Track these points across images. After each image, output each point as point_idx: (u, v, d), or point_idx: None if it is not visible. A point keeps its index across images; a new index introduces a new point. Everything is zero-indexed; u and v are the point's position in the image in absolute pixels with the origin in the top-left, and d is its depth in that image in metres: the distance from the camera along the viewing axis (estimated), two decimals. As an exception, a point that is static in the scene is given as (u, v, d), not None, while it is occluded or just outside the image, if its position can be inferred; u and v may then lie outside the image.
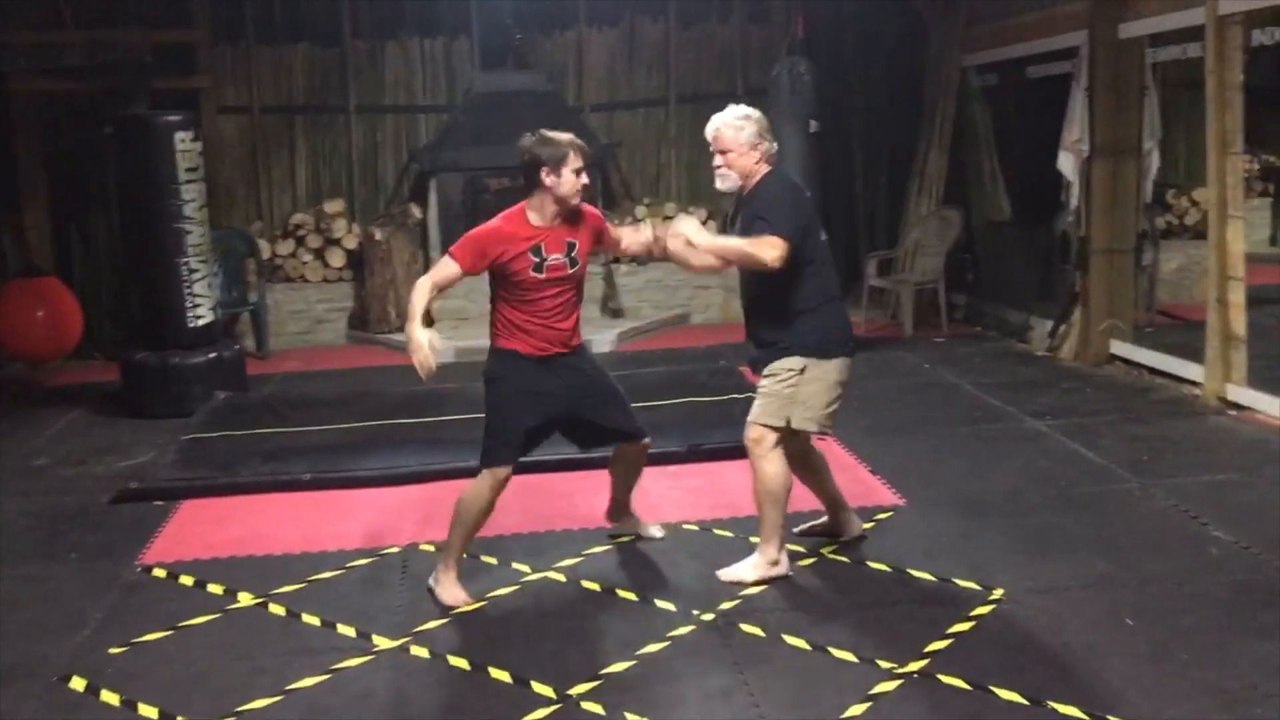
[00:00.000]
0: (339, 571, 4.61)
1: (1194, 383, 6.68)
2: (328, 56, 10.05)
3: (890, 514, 4.95)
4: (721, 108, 4.34)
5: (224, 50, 9.81)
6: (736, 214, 4.43)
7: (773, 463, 4.22)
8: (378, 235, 9.49)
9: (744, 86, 10.11)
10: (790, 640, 3.81)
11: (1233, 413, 6.23)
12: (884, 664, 3.61)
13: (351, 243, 9.75)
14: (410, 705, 3.55)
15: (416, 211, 9.81)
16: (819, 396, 4.21)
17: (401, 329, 9.49)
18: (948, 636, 3.78)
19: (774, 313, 4.25)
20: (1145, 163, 7.56)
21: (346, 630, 4.05)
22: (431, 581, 4.30)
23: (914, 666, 3.59)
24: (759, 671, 3.62)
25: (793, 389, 4.19)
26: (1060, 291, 8.32)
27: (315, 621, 4.14)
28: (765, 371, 4.27)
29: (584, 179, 4.18)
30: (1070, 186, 7.68)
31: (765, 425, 4.23)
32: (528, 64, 9.92)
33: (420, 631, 4.01)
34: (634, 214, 9.99)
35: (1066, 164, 7.62)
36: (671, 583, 4.37)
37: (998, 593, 4.10)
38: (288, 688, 3.64)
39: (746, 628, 3.92)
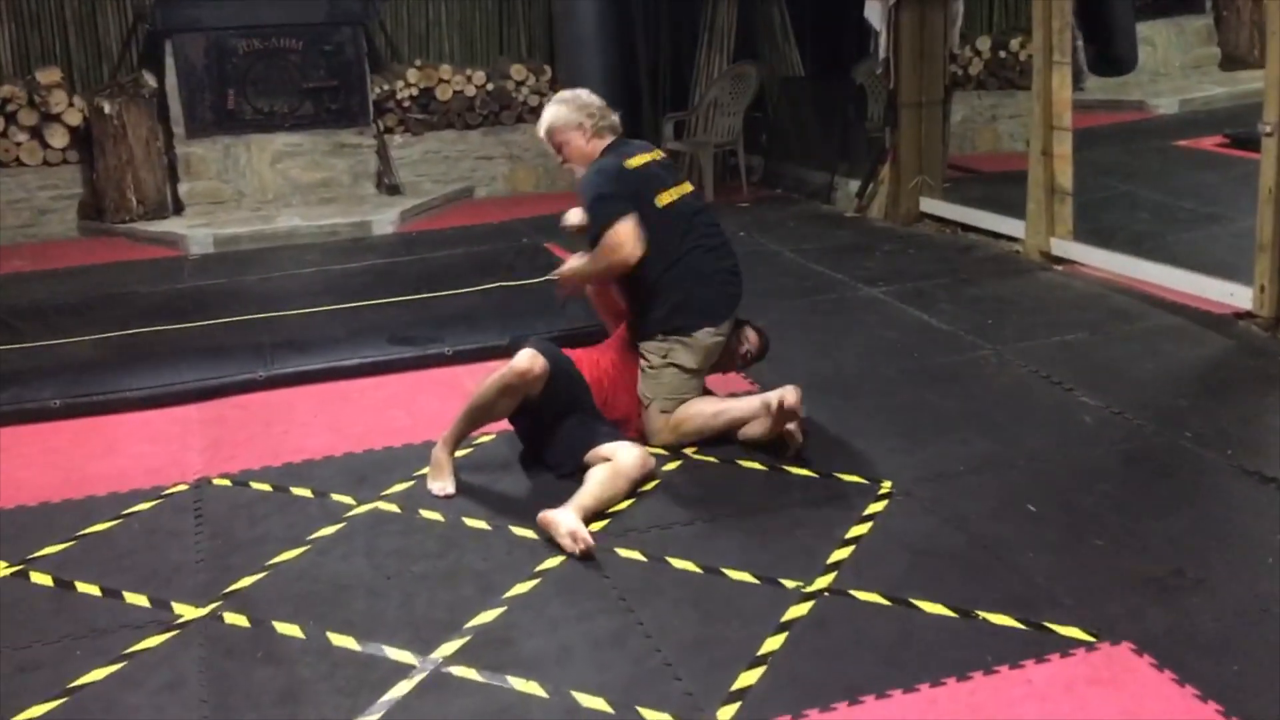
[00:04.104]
0: (115, 521, 3.80)
1: (1011, 238, 6.53)
2: (25, -104, 8.51)
3: (747, 402, 4.51)
4: None
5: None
6: None
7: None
8: (107, 109, 8.21)
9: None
10: (676, 563, 3.33)
11: (1059, 268, 6.09)
12: (788, 583, 3.18)
13: (75, 119, 8.41)
14: (234, 693, 2.85)
15: (150, 80, 8.55)
16: (674, 380, 4.02)
17: (146, 216, 8.41)
18: (848, 543, 3.39)
19: (628, 290, 4.09)
20: (951, 10, 7.27)
21: (137, 599, 3.30)
22: None
23: (822, 583, 3.18)
24: (651, 606, 3.12)
25: (655, 371, 4.03)
26: (861, 149, 8.05)
27: (94, 591, 3.36)
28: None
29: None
30: (878, 37, 7.31)
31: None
32: (272, -93, 8.68)
33: (233, 593, 3.31)
34: (405, 78, 9.06)
35: (874, 13, 7.22)
36: (523, 504, 3.78)
37: (886, 485, 3.74)
38: (71, 685, 2.89)
39: (623, 552, 3.41)
